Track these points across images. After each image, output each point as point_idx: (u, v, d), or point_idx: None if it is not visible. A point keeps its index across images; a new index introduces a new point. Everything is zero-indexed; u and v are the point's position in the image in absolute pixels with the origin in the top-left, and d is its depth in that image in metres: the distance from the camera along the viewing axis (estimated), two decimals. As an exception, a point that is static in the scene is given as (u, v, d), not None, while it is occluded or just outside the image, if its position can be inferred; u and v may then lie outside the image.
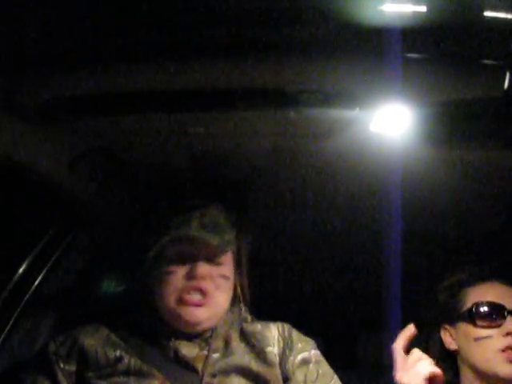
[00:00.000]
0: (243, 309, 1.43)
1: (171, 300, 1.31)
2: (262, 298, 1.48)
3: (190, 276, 1.30)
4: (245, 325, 1.40)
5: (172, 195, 1.49)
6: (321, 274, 1.99)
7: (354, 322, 2.07)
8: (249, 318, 1.43)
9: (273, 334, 1.37)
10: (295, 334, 1.40)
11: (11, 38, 1.06)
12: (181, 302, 1.30)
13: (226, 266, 1.36)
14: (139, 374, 1.27)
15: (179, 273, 1.31)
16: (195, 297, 1.30)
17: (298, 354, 1.36)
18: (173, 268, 1.32)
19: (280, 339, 1.37)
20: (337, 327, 2.08)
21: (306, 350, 1.38)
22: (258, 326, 1.39)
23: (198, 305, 1.30)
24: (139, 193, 1.61)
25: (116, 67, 1.13)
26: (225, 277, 1.34)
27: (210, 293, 1.31)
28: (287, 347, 1.36)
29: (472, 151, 1.35)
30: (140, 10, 1.02)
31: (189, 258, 1.32)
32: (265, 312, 1.45)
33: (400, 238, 1.55)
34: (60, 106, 1.22)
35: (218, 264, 1.34)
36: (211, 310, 1.32)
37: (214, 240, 1.31)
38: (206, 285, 1.31)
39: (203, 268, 1.31)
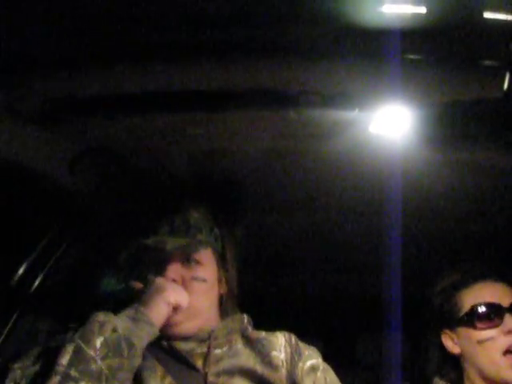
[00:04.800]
0: (246, 319, 1.44)
1: None
2: (262, 299, 1.48)
3: None
4: (247, 332, 1.40)
5: (164, 197, 1.50)
6: (320, 275, 1.99)
7: (353, 322, 2.07)
8: (250, 328, 1.42)
9: (279, 340, 1.38)
10: (300, 342, 1.40)
11: (11, 38, 1.06)
12: None
13: (203, 267, 1.36)
14: (141, 367, 1.26)
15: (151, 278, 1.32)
16: None
17: (307, 360, 1.37)
18: (146, 274, 1.32)
19: (287, 345, 1.38)
20: (337, 327, 2.08)
21: (314, 358, 1.39)
22: (263, 333, 1.40)
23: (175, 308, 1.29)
24: (138, 193, 1.61)
25: (116, 67, 1.13)
26: (199, 279, 1.34)
27: None
28: (296, 353, 1.37)
29: (472, 151, 1.35)
30: (140, 10, 1.02)
31: (160, 263, 1.33)
32: (265, 312, 1.46)
33: (400, 238, 1.55)
34: (60, 106, 1.22)
35: (193, 265, 1.34)
36: (187, 312, 1.31)
37: (181, 241, 1.32)
38: None
39: (171, 272, 1.31)
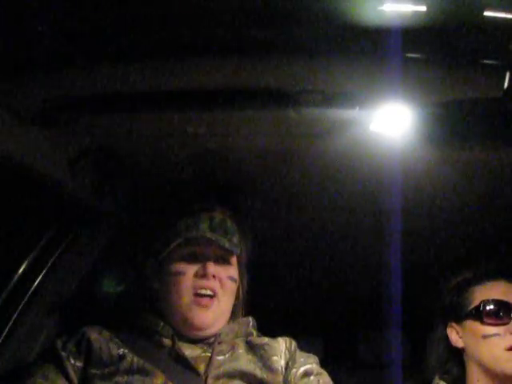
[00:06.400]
0: (251, 323, 1.45)
1: (183, 301, 1.33)
2: (262, 299, 1.48)
3: (201, 275, 1.33)
4: (251, 338, 1.41)
5: (174, 196, 1.50)
6: (321, 274, 1.99)
7: (354, 322, 2.07)
8: (254, 333, 1.44)
9: (280, 346, 1.40)
10: (298, 350, 1.42)
11: (11, 38, 1.06)
12: (191, 303, 1.32)
13: (233, 268, 1.40)
14: (142, 372, 1.28)
15: (190, 273, 1.34)
16: (205, 299, 1.33)
17: (301, 366, 1.38)
18: (184, 268, 1.35)
19: (286, 352, 1.39)
20: (337, 327, 2.08)
21: (309, 363, 1.40)
22: (265, 339, 1.42)
23: (207, 306, 1.32)
24: (139, 193, 1.61)
25: (116, 67, 1.13)
26: (232, 278, 1.38)
27: (218, 294, 1.34)
28: (291, 360, 1.38)
29: (472, 151, 1.35)
30: (140, 10, 1.02)
31: (199, 259, 1.35)
32: (265, 312, 1.46)
33: (400, 237, 1.56)
34: (60, 106, 1.22)
35: (226, 266, 1.37)
36: (217, 313, 1.34)
37: (224, 242, 1.35)
38: (216, 285, 1.34)
39: (213, 268, 1.34)
